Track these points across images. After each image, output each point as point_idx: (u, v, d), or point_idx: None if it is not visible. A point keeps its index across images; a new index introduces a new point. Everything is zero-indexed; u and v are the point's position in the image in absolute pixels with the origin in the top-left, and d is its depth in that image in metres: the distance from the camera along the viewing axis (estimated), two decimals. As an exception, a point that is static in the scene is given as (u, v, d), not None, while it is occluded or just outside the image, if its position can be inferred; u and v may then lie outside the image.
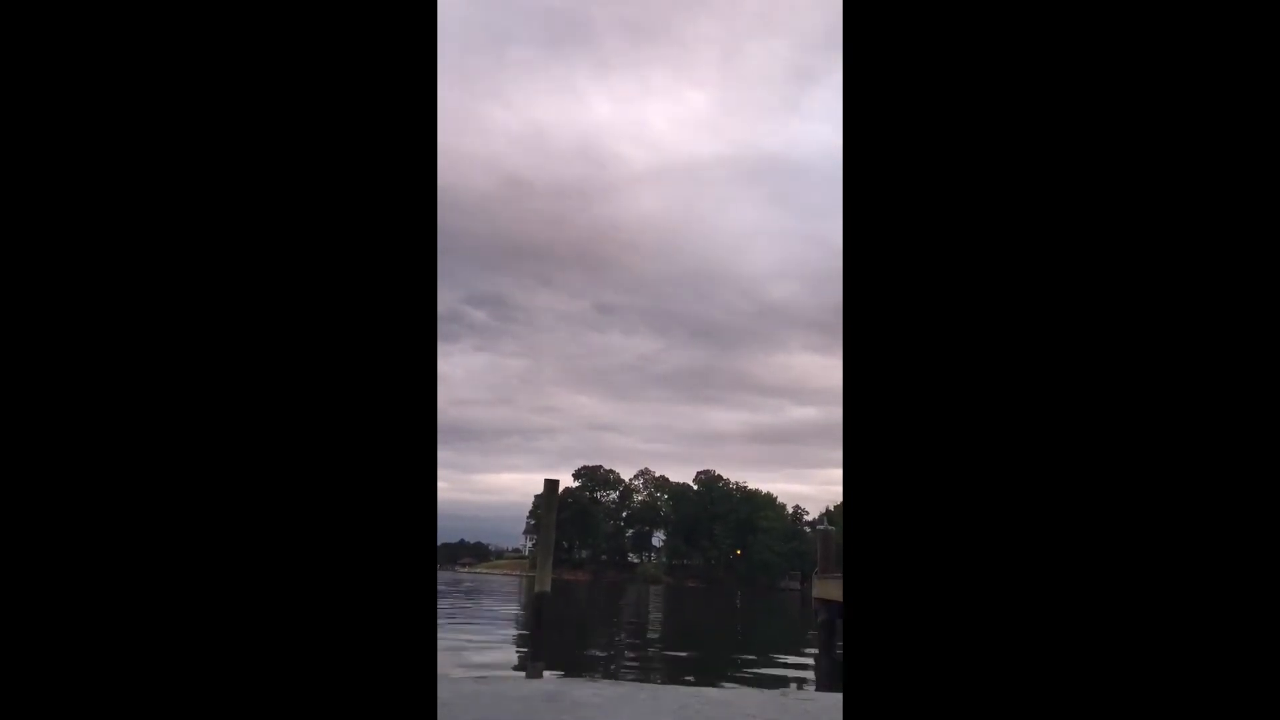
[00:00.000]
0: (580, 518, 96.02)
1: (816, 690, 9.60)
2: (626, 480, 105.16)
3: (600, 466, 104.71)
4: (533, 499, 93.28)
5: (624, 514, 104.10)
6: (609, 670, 11.69)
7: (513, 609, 24.79)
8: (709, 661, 12.49)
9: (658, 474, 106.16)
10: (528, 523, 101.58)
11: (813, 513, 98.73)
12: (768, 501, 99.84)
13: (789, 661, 12.84)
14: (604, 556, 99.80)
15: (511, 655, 11.82)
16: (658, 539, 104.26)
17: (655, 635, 15.58)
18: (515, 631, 15.27)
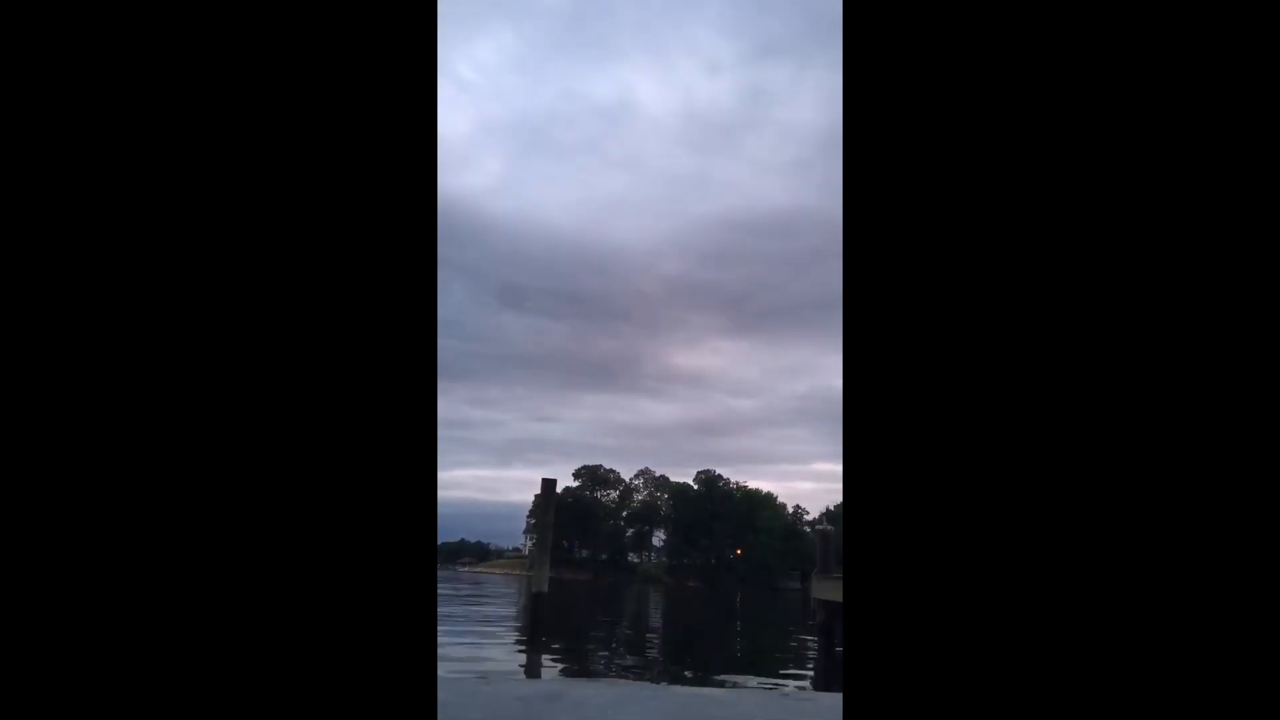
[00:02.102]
0: (580, 517, 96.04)
1: (814, 690, 9.59)
2: (627, 479, 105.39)
3: (600, 466, 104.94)
4: (533, 498, 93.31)
5: (624, 513, 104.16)
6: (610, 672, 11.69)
7: (510, 611, 24.75)
8: (710, 668, 12.50)
9: (658, 473, 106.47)
10: (528, 522, 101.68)
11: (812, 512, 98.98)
12: (768, 501, 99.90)
13: (789, 670, 12.86)
14: (604, 556, 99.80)
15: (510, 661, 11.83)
16: (658, 538, 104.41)
17: (654, 649, 15.58)
18: (512, 638, 15.29)
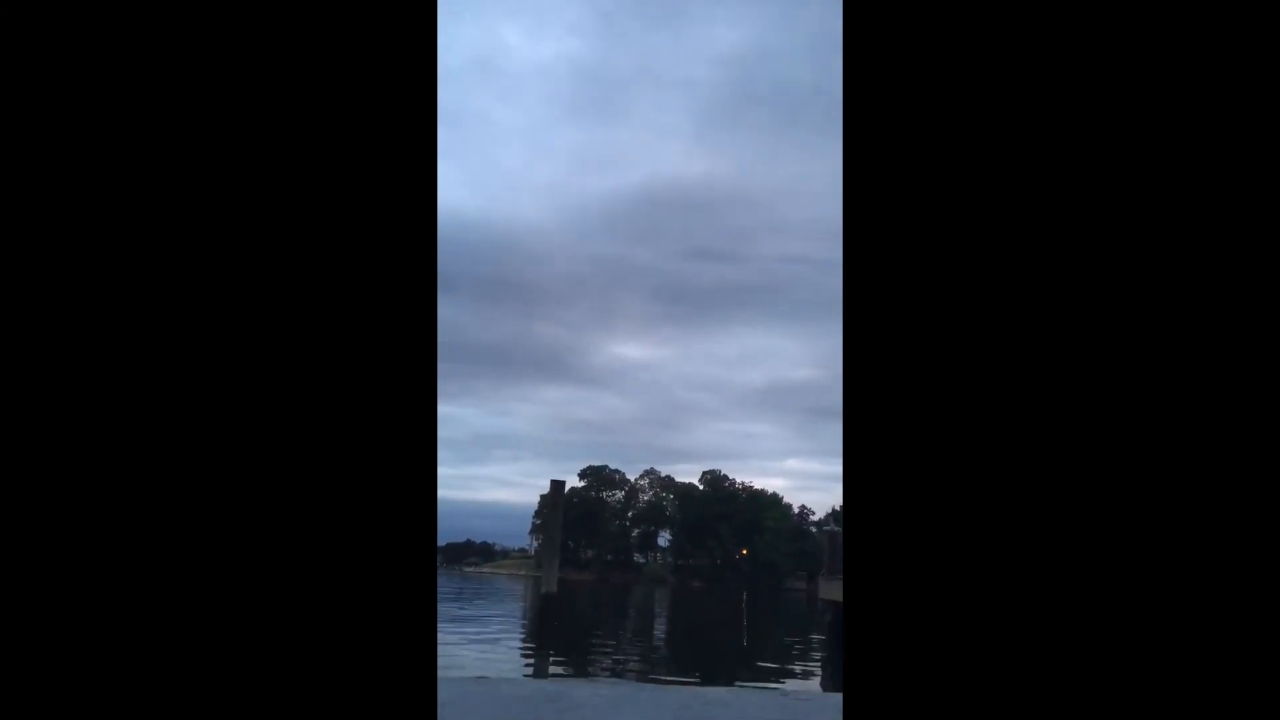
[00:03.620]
0: (586, 518, 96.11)
1: (823, 691, 9.58)
2: (632, 480, 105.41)
3: (606, 466, 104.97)
4: (539, 498, 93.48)
5: (630, 514, 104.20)
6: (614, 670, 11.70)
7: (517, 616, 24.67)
8: (714, 669, 12.48)
9: (663, 474, 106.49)
10: (533, 522, 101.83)
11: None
12: (773, 501, 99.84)
13: (794, 671, 12.83)
14: (609, 557, 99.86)
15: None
16: (663, 539, 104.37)
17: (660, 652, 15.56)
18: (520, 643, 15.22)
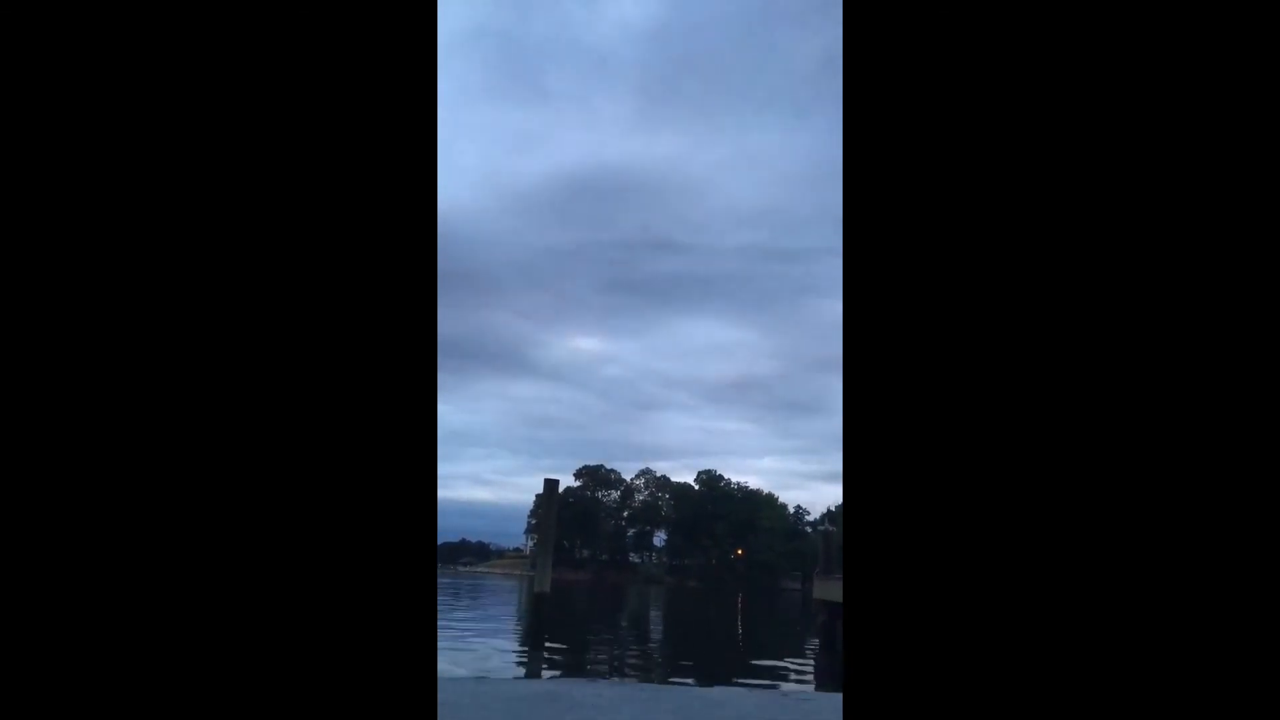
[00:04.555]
0: (582, 517, 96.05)
1: (816, 690, 9.59)
2: (628, 480, 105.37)
3: (601, 466, 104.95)
4: (534, 498, 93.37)
5: (625, 514, 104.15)
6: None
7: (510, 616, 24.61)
8: (711, 669, 12.50)
9: (659, 473, 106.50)
10: (529, 522, 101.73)
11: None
12: (768, 501, 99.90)
13: (790, 666, 12.85)
14: (604, 556, 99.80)
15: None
16: (659, 539, 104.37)
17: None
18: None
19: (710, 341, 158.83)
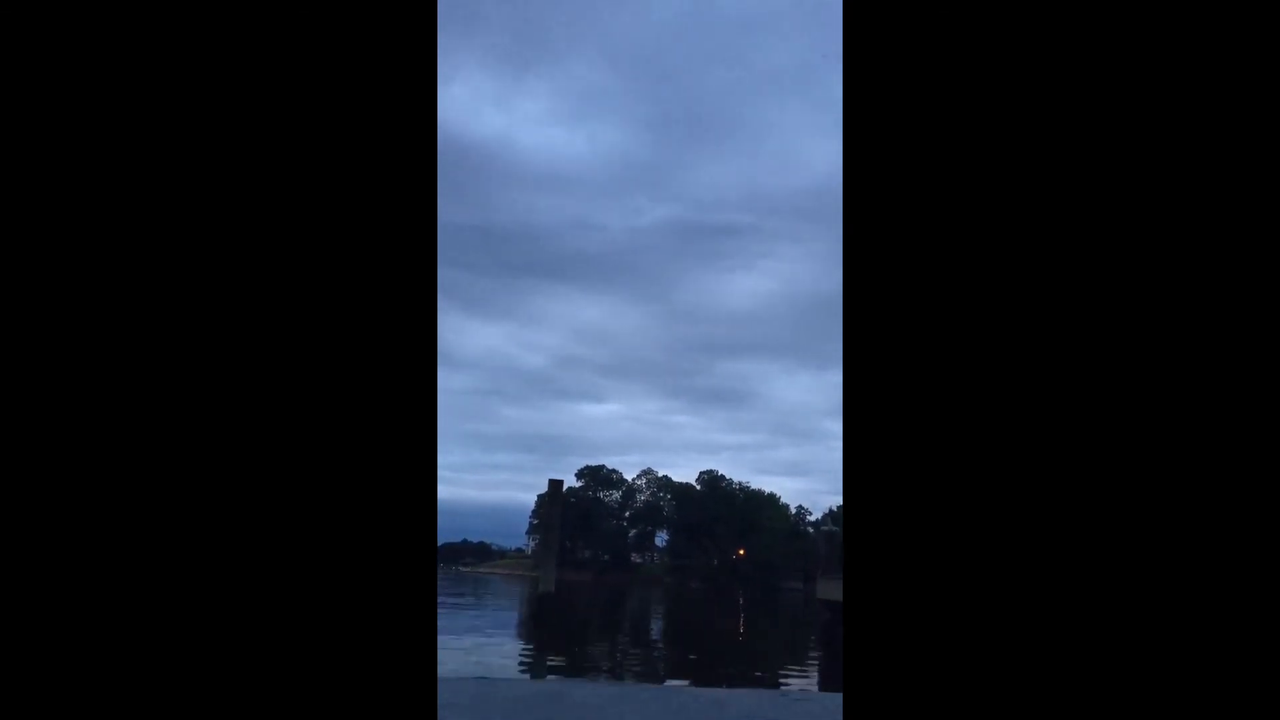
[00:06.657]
0: (583, 518, 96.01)
1: (820, 690, 9.58)
2: (630, 480, 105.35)
3: (603, 466, 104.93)
4: (536, 498, 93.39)
5: (627, 514, 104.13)
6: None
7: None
8: (712, 669, 12.49)
9: (660, 474, 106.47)
10: (531, 522, 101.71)
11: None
12: (770, 501, 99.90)
13: (791, 670, 12.84)
14: (606, 557, 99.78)
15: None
16: (660, 539, 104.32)
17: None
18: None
19: (599, 322, 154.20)
